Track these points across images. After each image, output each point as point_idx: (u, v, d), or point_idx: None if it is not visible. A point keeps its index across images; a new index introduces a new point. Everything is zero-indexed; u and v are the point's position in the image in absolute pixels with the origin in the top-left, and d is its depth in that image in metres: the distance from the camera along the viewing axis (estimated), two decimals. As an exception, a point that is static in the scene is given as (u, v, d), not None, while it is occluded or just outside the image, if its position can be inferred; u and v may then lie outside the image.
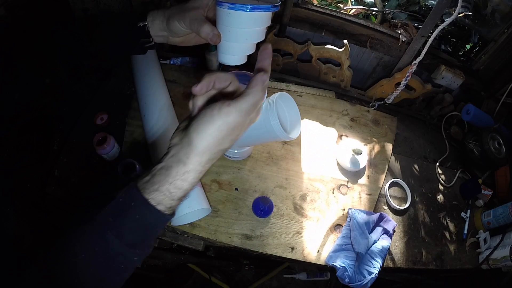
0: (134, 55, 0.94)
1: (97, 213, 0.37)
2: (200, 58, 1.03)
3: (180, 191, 0.37)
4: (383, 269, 0.74)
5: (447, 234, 0.87)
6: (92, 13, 0.83)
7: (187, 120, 0.40)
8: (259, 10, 0.47)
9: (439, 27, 0.84)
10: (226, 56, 0.53)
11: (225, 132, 0.37)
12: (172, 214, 0.39)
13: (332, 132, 0.96)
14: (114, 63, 0.96)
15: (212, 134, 0.36)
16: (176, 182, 0.36)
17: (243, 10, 0.46)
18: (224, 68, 1.01)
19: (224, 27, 0.49)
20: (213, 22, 0.50)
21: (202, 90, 0.39)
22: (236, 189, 0.81)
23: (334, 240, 0.79)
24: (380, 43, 0.98)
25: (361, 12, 1.10)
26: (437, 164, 0.98)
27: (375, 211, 0.85)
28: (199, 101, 0.40)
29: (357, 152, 0.86)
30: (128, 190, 0.37)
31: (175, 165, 0.36)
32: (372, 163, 0.93)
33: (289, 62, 1.05)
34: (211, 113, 0.36)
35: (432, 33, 0.87)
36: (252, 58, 0.52)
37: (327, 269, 1.26)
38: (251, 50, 0.53)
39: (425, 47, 0.89)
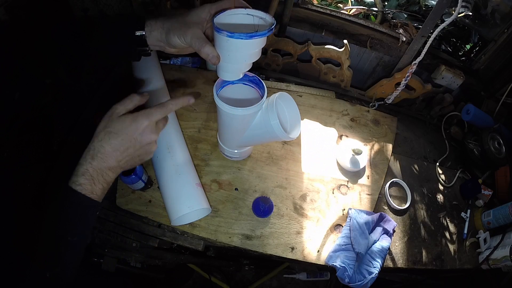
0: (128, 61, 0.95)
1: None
2: (200, 58, 1.03)
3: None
4: (383, 269, 0.74)
5: (447, 234, 0.87)
6: (91, 14, 0.83)
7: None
8: (256, 37, 0.48)
9: (439, 27, 0.84)
10: (224, 74, 0.58)
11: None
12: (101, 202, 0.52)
13: (332, 132, 0.96)
14: (113, 64, 0.96)
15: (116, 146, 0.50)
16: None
17: (241, 38, 0.47)
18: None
19: (223, 51, 0.52)
20: (211, 39, 0.52)
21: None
22: (236, 189, 0.81)
23: (334, 240, 0.79)
24: (380, 43, 0.98)
25: (361, 12, 1.10)
26: (437, 164, 0.98)
27: (375, 211, 0.85)
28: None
29: (357, 152, 0.86)
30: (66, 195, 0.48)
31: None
32: (372, 163, 0.93)
33: (289, 62, 1.05)
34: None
35: (432, 33, 0.87)
36: (255, 62, 0.56)
37: (327, 269, 1.26)
38: (247, 68, 0.58)
39: (425, 47, 0.89)
